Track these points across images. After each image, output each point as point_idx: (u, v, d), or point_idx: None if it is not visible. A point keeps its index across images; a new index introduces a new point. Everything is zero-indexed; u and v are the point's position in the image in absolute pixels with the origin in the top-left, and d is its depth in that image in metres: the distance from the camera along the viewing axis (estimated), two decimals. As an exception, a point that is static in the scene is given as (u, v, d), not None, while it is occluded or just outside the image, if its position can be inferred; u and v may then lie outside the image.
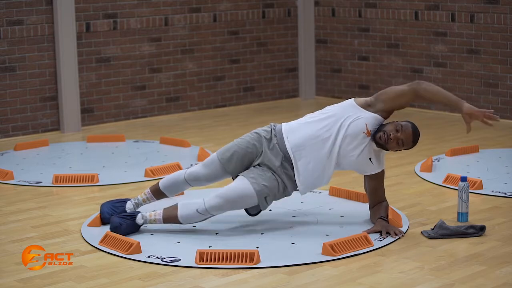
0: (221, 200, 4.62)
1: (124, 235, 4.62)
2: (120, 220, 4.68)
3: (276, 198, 4.75)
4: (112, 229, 4.66)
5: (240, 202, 4.64)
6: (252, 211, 4.80)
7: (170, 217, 4.69)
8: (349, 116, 4.69)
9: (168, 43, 8.39)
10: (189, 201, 4.72)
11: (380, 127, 4.68)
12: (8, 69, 7.48)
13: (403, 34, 8.60)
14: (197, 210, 4.64)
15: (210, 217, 4.71)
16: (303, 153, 4.70)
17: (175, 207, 4.70)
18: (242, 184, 4.65)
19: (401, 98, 4.72)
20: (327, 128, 4.70)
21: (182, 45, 8.49)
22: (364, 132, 4.67)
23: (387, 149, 4.70)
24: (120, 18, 8.04)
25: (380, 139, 4.63)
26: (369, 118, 4.68)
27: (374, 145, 4.70)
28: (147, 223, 4.74)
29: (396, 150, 4.72)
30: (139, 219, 4.71)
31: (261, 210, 4.79)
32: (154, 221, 4.72)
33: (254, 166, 4.74)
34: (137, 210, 4.89)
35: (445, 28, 8.24)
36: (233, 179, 4.79)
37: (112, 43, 8.03)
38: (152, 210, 4.86)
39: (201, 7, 8.55)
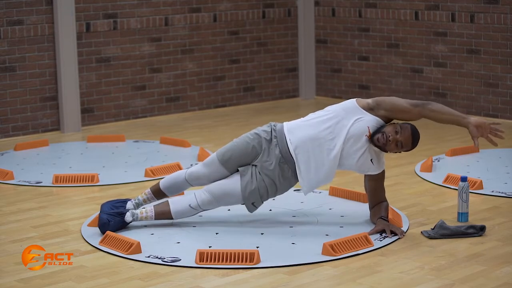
0: (210, 195, 4.75)
1: (113, 231, 4.67)
2: (108, 217, 4.72)
3: (266, 199, 4.80)
4: (100, 226, 4.71)
5: (226, 200, 4.76)
6: (250, 209, 4.82)
7: (163, 213, 4.78)
8: (352, 118, 4.69)
9: (168, 43, 8.39)
10: (180, 197, 4.85)
11: (379, 129, 4.67)
12: (8, 69, 7.48)
13: (403, 34, 8.60)
14: (190, 205, 4.75)
15: (201, 211, 4.81)
16: (306, 154, 4.71)
17: (166, 203, 4.80)
18: (231, 184, 4.74)
19: (404, 114, 4.69)
20: (330, 129, 4.70)
21: (182, 45, 8.49)
22: (366, 135, 4.66)
23: (385, 151, 4.70)
24: (120, 18, 8.04)
25: (378, 140, 4.62)
26: (371, 121, 4.68)
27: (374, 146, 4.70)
28: (137, 220, 4.79)
29: (395, 152, 4.71)
30: (128, 217, 4.77)
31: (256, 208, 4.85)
32: (146, 218, 4.80)
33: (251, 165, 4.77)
34: (126, 208, 4.92)
35: (445, 28, 8.24)
36: None
37: (112, 43, 8.03)
38: (142, 207, 4.91)
39: (201, 7, 8.55)
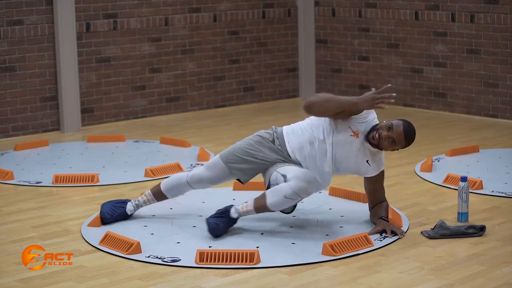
0: (300, 181, 4.49)
1: (220, 235, 4.59)
2: (215, 220, 4.61)
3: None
4: (210, 231, 4.58)
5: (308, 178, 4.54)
6: (287, 209, 4.73)
7: (261, 206, 4.58)
8: (333, 121, 4.68)
9: (168, 43, 8.39)
10: (276, 188, 4.56)
11: (373, 127, 4.66)
12: (8, 69, 7.48)
13: (403, 34, 8.60)
14: (285, 196, 4.51)
15: (299, 201, 4.57)
16: (303, 158, 4.71)
17: (263, 195, 4.59)
18: (295, 167, 4.59)
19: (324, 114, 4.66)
20: (320, 133, 4.69)
21: (182, 45, 8.49)
22: (351, 135, 4.64)
23: (381, 149, 4.68)
24: (120, 18, 8.04)
25: (373, 139, 4.61)
26: (350, 120, 4.65)
27: (370, 146, 4.68)
28: (241, 216, 4.64)
29: (392, 150, 4.69)
30: (233, 213, 4.63)
31: (295, 208, 4.76)
32: (247, 213, 4.62)
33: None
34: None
35: (445, 28, 8.24)
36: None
37: (112, 43, 8.03)
38: (244, 202, 4.73)
39: (201, 7, 8.55)
